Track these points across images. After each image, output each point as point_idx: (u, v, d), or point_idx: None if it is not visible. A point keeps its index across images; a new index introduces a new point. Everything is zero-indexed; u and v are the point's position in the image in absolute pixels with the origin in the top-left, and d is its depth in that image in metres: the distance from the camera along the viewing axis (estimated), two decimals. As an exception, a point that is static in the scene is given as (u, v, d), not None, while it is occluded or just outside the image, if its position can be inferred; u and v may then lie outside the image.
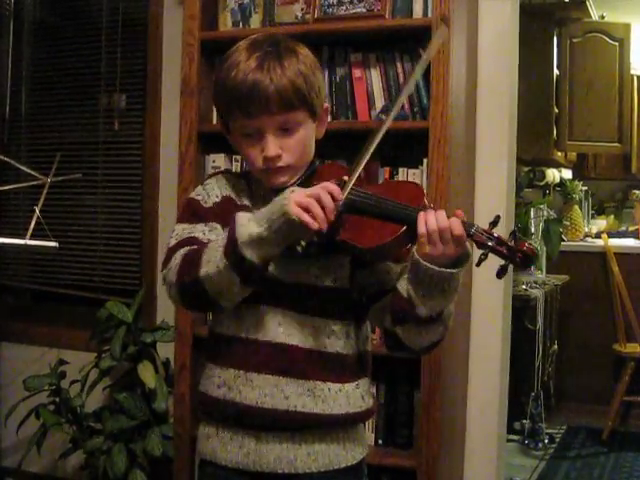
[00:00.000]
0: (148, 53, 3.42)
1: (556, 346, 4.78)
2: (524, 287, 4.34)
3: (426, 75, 2.58)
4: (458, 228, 1.33)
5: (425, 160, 2.59)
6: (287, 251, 1.39)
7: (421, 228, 1.35)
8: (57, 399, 3.06)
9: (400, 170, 2.68)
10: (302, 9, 2.78)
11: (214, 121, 2.91)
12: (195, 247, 1.44)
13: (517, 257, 1.32)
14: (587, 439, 4.57)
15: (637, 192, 6.30)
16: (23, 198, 3.66)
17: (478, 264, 1.34)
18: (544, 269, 4.83)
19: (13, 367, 3.59)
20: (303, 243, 1.34)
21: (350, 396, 1.52)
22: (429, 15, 2.59)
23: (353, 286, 1.53)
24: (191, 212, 1.56)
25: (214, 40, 2.83)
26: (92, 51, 3.59)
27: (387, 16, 2.67)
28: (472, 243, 1.37)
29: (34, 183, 2.77)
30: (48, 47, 3.73)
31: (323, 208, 1.32)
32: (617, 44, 5.16)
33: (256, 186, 1.58)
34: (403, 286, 1.42)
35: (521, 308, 4.11)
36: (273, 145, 1.47)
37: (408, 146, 2.68)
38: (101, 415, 3.02)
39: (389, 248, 1.42)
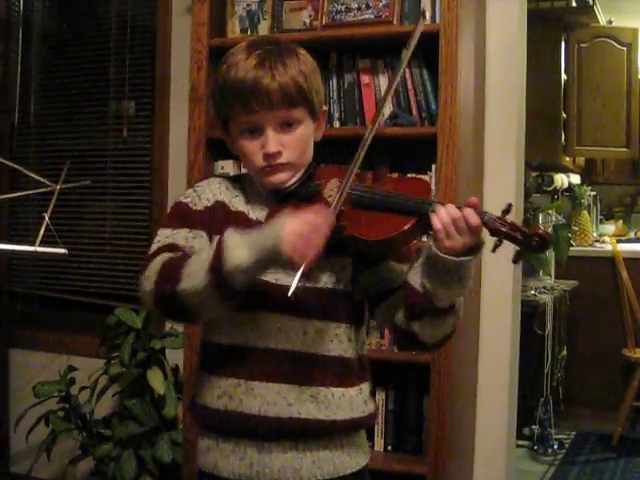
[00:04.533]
0: (157, 60, 3.44)
1: (565, 351, 4.77)
2: (533, 292, 4.33)
3: (434, 81, 2.58)
4: (472, 217, 1.32)
5: (434, 166, 2.59)
6: None
7: (436, 224, 1.33)
8: (67, 405, 3.07)
9: (409, 176, 2.68)
10: (310, 15, 2.78)
11: (223, 127, 2.91)
12: (175, 256, 1.38)
13: (533, 242, 1.30)
14: (596, 444, 4.55)
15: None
16: (32, 205, 3.67)
17: (493, 250, 1.32)
18: (553, 274, 4.82)
19: (23, 374, 3.60)
20: (292, 290, 1.29)
21: (353, 401, 1.50)
22: (437, 21, 2.60)
23: (355, 288, 1.51)
24: (177, 216, 1.51)
25: (222, 47, 2.82)
26: (101, 58, 3.61)
27: (395, 22, 2.67)
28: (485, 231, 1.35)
29: (43, 190, 2.77)
30: (57, 54, 3.76)
31: (313, 246, 1.27)
32: (625, 49, 5.15)
33: (252, 190, 1.55)
34: (416, 280, 1.40)
35: (530, 313, 4.10)
36: (274, 141, 1.45)
37: (417, 152, 2.68)
38: (110, 421, 3.02)
39: (398, 241, 1.40)
